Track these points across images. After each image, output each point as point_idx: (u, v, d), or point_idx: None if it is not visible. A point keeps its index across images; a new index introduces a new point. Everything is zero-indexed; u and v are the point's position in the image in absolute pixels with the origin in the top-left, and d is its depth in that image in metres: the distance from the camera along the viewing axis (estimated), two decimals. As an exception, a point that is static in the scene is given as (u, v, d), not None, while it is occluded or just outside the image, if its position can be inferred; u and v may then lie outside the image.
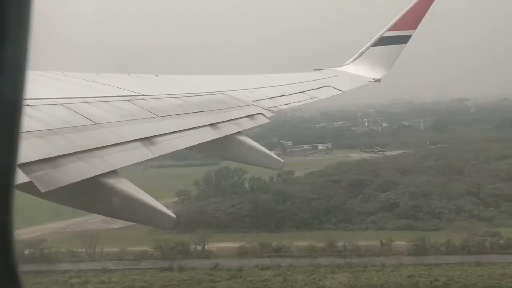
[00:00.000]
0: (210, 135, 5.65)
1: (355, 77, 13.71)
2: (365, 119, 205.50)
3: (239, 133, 6.20)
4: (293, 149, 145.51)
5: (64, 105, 4.71)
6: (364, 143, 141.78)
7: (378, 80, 14.20)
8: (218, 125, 5.98)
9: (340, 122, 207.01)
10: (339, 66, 14.58)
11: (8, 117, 1.74)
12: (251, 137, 6.36)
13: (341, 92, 11.44)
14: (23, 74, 1.76)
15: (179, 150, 5.12)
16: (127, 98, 5.68)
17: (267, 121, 7.21)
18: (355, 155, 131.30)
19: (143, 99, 5.86)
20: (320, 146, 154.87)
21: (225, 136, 5.88)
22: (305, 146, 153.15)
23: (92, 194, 3.88)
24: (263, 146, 6.40)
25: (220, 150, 6.14)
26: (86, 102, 5.03)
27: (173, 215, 4.05)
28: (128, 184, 3.98)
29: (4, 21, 1.61)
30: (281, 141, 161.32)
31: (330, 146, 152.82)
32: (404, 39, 14.71)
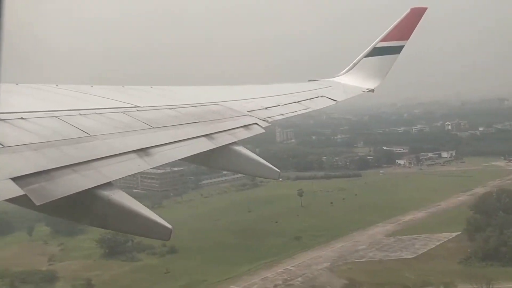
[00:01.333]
0: (205, 145, 5.64)
1: (349, 87, 13.78)
2: (447, 123, 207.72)
3: (234, 143, 6.19)
4: (421, 158, 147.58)
5: (58, 117, 4.69)
6: (499, 150, 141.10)
7: (372, 90, 14.27)
8: (214, 135, 5.97)
9: (419, 126, 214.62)
10: (333, 77, 14.66)
11: None
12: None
13: (335, 102, 11.49)
14: None
15: (175, 161, 5.10)
16: (121, 109, 5.67)
17: (263, 131, 7.21)
18: (500, 163, 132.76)
19: (138, 110, 5.85)
20: (444, 154, 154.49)
21: (221, 146, 5.86)
22: (430, 154, 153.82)
23: (87, 206, 3.84)
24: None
25: (216, 161, 6.12)
26: (80, 114, 5.02)
27: (170, 226, 4.02)
28: (124, 195, 3.95)
29: None
30: (386, 148, 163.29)
31: (454, 154, 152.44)
32: (397, 50, 14.83)
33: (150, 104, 6.38)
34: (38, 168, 3.51)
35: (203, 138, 5.75)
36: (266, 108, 8.42)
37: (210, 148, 5.65)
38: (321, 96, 11.24)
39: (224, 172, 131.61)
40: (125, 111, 5.63)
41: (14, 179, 3.25)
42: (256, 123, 7.28)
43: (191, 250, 78.70)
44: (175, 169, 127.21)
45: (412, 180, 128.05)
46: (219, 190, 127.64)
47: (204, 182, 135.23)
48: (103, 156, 4.17)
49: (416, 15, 14.56)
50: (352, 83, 14.16)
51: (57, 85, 6.25)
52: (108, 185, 3.90)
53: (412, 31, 14.69)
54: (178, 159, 5.17)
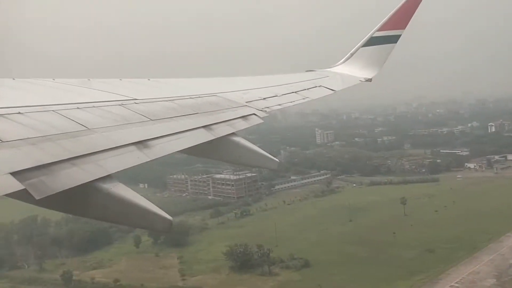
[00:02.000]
0: (204, 137, 5.63)
1: (346, 77, 13.75)
2: (490, 124, 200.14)
3: (233, 134, 6.18)
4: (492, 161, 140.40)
5: (56, 111, 4.67)
6: None
7: (370, 80, 14.25)
8: (212, 126, 5.95)
9: (460, 127, 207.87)
10: (331, 67, 14.62)
11: None
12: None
13: (333, 91, 11.47)
14: None
15: (174, 152, 5.09)
16: (119, 102, 5.65)
17: (261, 121, 7.20)
18: None
19: (136, 103, 5.83)
20: (510, 157, 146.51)
21: (219, 137, 5.85)
22: (496, 157, 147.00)
23: (87, 199, 3.84)
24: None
25: (215, 152, 6.11)
26: (78, 108, 5.00)
27: (170, 218, 4.02)
28: (124, 188, 3.95)
29: None
30: (444, 151, 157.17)
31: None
32: (393, 39, 14.79)
33: (148, 96, 6.36)
34: (37, 162, 3.50)
35: (201, 130, 5.74)
36: (264, 98, 8.40)
37: (209, 139, 5.64)
38: (318, 86, 11.21)
39: (293, 177, 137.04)
40: (123, 104, 5.61)
41: (14, 174, 3.25)
42: (254, 114, 7.27)
43: (323, 263, 74.97)
44: (249, 174, 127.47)
45: (502, 185, 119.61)
46: (298, 196, 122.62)
47: (276, 187, 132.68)
48: (102, 149, 4.16)
49: (413, 4, 14.51)
50: (350, 73, 14.13)
51: (53, 79, 6.22)
52: (108, 178, 3.89)
53: (409, 20, 14.65)
54: (177, 151, 5.16)
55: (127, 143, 4.49)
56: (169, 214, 4.04)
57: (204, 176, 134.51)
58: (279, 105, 8.58)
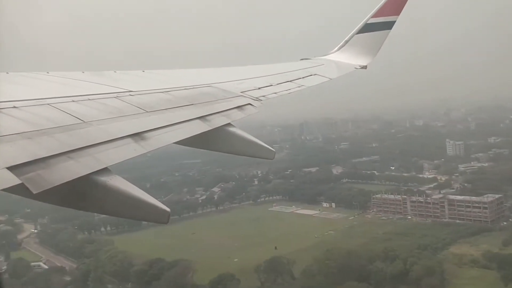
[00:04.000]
0: (200, 128, 5.64)
1: (341, 64, 13.73)
2: None
3: (229, 124, 6.19)
4: None
5: (51, 105, 4.67)
6: None
7: (365, 67, 14.24)
8: (208, 117, 5.96)
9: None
10: (325, 55, 14.59)
11: None
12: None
13: (329, 79, 11.46)
14: None
15: (170, 144, 5.11)
16: (114, 95, 5.64)
17: (256, 111, 7.20)
18: None
19: (131, 95, 5.82)
20: None
21: (215, 128, 5.87)
22: None
23: (84, 192, 3.86)
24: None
25: (211, 143, 6.12)
26: (73, 101, 4.99)
27: (168, 209, 4.05)
28: (121, 180, 3.97)
29: None
30: None
31: None
32: (388, 25, 14.75)
33: (142, 88, 6.35)
34: (34, 156, 3.51)
35: (197, 121, 5.75)
36: (259, 88, 8.40)
37: (205, 130, 5.66)
38: (314, 74, 11.20)
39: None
40: (118, 96, 5.60)
41: (10, 168, 3.26)
42: (250, 104, 7.27)
43: None
44: (496, 196, 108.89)
45: None
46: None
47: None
48: (98, 142, 4.17)
49: None
50: (345, 60, 14.11)
51: (48, 72, 6.19)
52: (105, 170, 3.91)
53: (403, 6, 14.59)
54: (174, 142, 5.17)
55: (123, 135, 4.50)
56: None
57: (435, 197, 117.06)
58: (275, 93, 8.58)
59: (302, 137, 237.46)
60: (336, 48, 14.83)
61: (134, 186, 4.04)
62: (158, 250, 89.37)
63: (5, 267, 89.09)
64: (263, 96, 8.01)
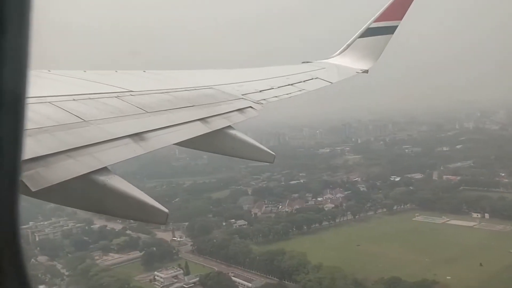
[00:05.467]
0: (200, 129, 5.64)
1: (343, 68, 13.75)
2: None
3: (229, 127, 6.20)
4: None
5: (52, 103, 4.67)
6: None
7: (366, 71, 14.25)
8: (208, 119, 5.97)
9: None
10: (327, 58, 14.61)
11: (11, 113, 1.70)
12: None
13: (330, 83, 11.47)
14: (25, 68, 1.73)
15: (170, 145, 5.11)
16: (115, 94, 5.65)
17: (257, 114, 7.21)
18: None
19: (132, 95, 5.83)
20: None
21: (215, 130, 5.87)
22: None
23: (83, 191, 3.86)
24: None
25: (211, 145, 6.13)
26: (74, 99, 4.99)
27: (166, 210, 4.05)
28: (120, 180, 3.97)
29: (4, 13, 1.59)
30: None
31: None
32: (390, 30, 14.77)
33: (143, 88, 6.36)
34: (33, 154, 3.51)
35: (197, 122, 5.76)
36: (260, 91, 8.41)
37: (205, 132, 5.66)
38: (315, 78, 11.21)
39: None
40: (118, 96, 5.61)
41: None
42: (250, 107, 7.28)
43: None
44: None
45: None
46: None
47: None
48: (98, 141, 4.17)
49: None
50: (346, 64, 14.12)
51: (49, 70, 6.20)
52: (104, 170, 3.91)
53: (406, 11, 14.62)
54: (174, 144, 5.17)
55: (123, 135, 4.51)
56: None
57: None
58: (276, 97, 8.59)
59: (356, 139, 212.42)
60: (338, 52, 14.85)
61: (134, 187, 4.04)
62: (339, 263, 79.87)
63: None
64: (264, 99, 8.02)
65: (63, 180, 3.48)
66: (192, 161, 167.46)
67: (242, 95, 7.74)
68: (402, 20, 14.72)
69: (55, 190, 3.47)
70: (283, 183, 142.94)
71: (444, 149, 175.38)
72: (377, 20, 14.62)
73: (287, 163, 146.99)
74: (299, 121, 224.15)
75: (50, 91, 5.07)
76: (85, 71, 6.69)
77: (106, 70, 7.28)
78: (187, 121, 5.65)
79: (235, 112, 6.77)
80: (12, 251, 1.78)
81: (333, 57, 14.67)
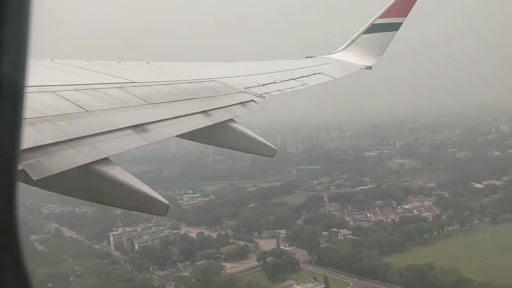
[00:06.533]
0: (202, 122, 5.64)
1: (346, 64, 13.70)
2: None
3: (231, 120, 6.19)
4: None
5: (55, 92, 4.66)
6: None
7: (370, 67, 14.21)
8: (210, 112, 5.96)
9: None
10: (331, 54, 14.55)
11: (10, 102, 1.68)
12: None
13: (333, 79, 11.43)
14: (24, 58, 1.72)
15: (171, 137, 5.11)
16: (118, 85, 5.64)
17: (259, 108, 7.20)
18: None
19: (134, 86, 5.82)
20: None
21: (218, 123, 5.87)
22: None
23: (84, 181, 3.86)
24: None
25: (213, 137, 6.13)
26: (76, 89, 4.99)
27: (166, 202, 4.06)
28: (121, 171, 3.97)
29: (4, 2, 1.58)
30: None
31: None
32: (395, 26, 14.71)
33: (146, 80, 6.35)
34: (35, 143, 3.51)
35: (199, 115, 5.75)
36: (263, 85, 8.39)
37: (207, 125, 5.65)
38: (318, 73, 11.18)
39: None
40: (121, 87, 5.60)
41: None
42: (253, 100, 7.27)
43: None
44: None
45: None
46: None
47: None
48: (100, 131, 4.17)
49: None
50: (350, 60, 14.07)
51: (52, 60, 6.19)
52: (106, 160, 3.91)
53: (411, 8, 14.56)
54: (175, 136, 5.17)
55: (125, 126, 4.50)
56: None
57: None
58: (278, 91, 8.57)
59: (394, 142, 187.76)
60: (341, 47, 14.79)
61: (135, 178, 4.05)
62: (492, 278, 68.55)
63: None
64: (267, 93, 8.00)
65: (64, 169, 3.48)
66: (234, 163, 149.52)
67: (245, 88, 7.73)
68: (408, 17, 14.67)
69: (56, 180, 3.47)
70: (350, 188, 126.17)
71: (496, 153, 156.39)
72: (382, 16, 14.55)
73: (336, 167, 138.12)
74: (312, 121, 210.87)
75: (53, 81, 5.06)
76: (88, 61, 6.67)
77: (109, 61, 7.26)
78: (189, 113, 5.64)
79: (238, 105, 6.76)
80: (12, 249, 1.76)
81: (337, 52, 14.61)
